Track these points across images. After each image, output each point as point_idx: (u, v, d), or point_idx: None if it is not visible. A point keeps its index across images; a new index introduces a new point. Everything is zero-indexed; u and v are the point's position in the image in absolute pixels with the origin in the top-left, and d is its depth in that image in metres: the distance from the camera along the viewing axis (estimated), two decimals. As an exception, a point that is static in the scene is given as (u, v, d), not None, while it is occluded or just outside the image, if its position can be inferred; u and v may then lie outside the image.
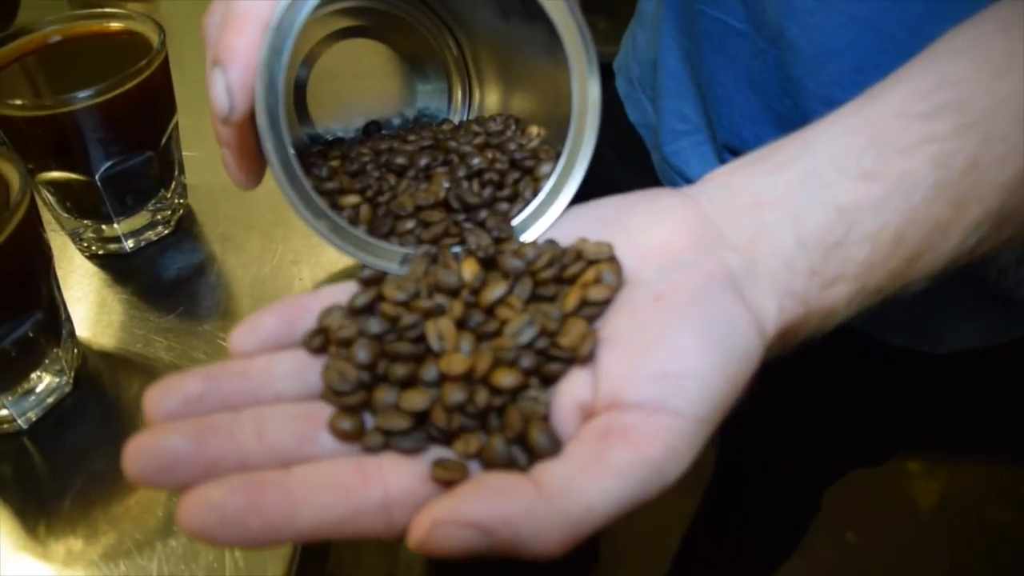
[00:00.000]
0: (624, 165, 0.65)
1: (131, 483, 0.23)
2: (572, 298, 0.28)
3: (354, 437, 0.25)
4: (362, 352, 0.26)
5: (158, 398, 0.24)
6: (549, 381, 0.27)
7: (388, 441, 0.25)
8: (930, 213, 0.27)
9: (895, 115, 0.28)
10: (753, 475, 0.87)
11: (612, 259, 0.28)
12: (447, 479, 0.24)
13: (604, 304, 0.28)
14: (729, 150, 0.52)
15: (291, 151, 0.29)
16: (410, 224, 0.32)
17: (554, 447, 0.25)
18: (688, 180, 0.53)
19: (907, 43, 0.30)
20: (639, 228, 0.30)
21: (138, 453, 0.23)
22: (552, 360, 0.27)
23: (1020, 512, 1.27)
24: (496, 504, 0.22)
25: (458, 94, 0.43)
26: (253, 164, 0.32)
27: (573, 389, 0.26)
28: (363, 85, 0.42)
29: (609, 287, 0.28)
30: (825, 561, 1.18)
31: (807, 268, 0.27)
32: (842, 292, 0.27)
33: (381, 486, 0.23)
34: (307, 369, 0.27)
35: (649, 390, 0.24)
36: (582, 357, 0.26)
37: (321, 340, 0.27)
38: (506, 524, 0.22)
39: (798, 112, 0.45)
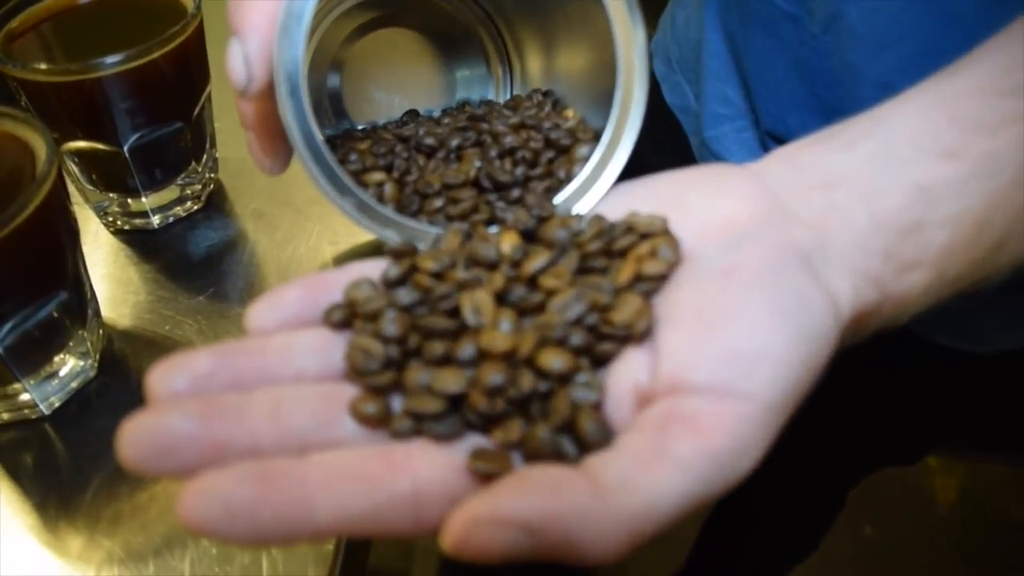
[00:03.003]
0: (660, 151, 0.62)
1: (133, 473, 0.21)
2: (626, 271, 0.26)
3: (380, 422, 0.23)
4: (391, 325, 0.24)
5: (162, 376, 0.23)
6: (600, 362, 0.25)
7: (419, 426, 0.23)
8: (1017, 197, 0.25)
9: (977, 92, 0.26)
10: (780, 471, 0.84)
11: (667, 232, 0.27)
12: (487, 471, 0.22)
13: (660, 279, 0.26)
14: (773, 137, 0.50)
15: (314, 124, 0.28)
16: (439, 202, 0.31)
17: (605, 437, 0.23)
18: None
19: (975, 26, 0.28)
20: (698, 203, 0.28)
21: (135, 433, 0.21)
22: (604, 339, 0.25)
23: (1035, 508, 1.24)
24: (545, 501, 0.20)
25: (498, 72, 0.42)
26: (278, 146, 0.31)
27: (628, 371, 0.24)
28: (399, 77, 0.41)
29: (666, 261, 0.26)
30: (842, 555, 1.17)
31: (882, 250, 0.25)
32: (919, 279, 0.26)
33: (410, 477, 0.21)
34: (332, 346, 0.25)
35: (717, 371, 0.22)
36: (638, 334, 0.24)
37: (344, 313, 0.25)
38: (556, 524, 0.20)
39: (851, 100, 0.43)
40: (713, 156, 0.54)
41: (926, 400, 0.63)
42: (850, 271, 0.25)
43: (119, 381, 0.40)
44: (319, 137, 0.28)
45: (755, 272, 0.24)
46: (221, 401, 0.22)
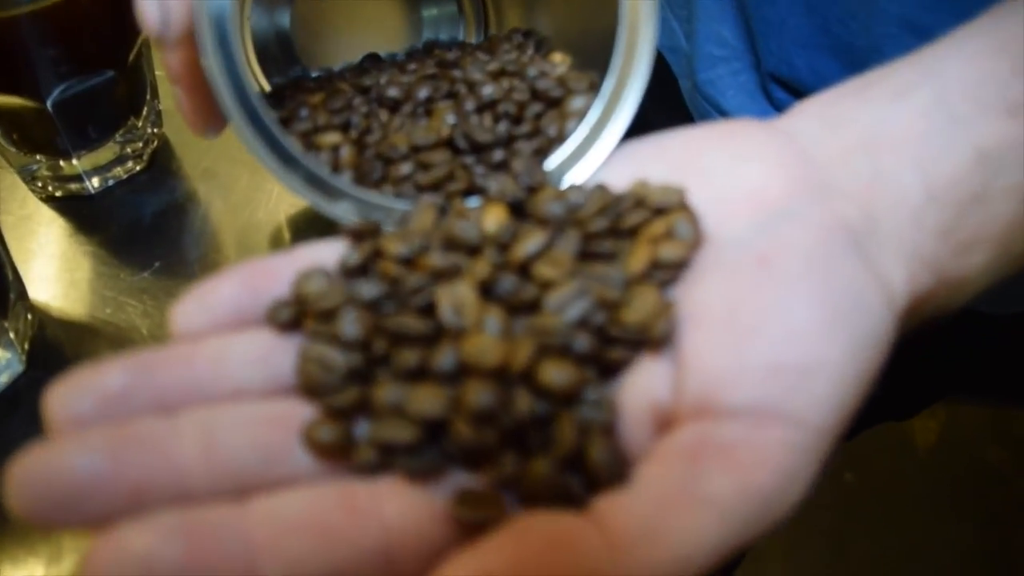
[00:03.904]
0: (647, 95, 0.59)
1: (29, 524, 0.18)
2: (639, 256, 0.22)
3: (339, 452, 0.20)
4: (351, 326, 0.20)
5: (63, 397, 0.19)
6: (608, 372, 0.21)
7: (388, 459, 0.20)
8: None
9: None
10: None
11: (684, 207, 0.23)
12: (475, 519, 0.18)
13: (680, 266, 0.22)
14: (776, 80, 0.46)
15: (248, 78, 0.24)
16: (406, 168, 0.27)
17: (619, 470, 0.19)
18: (723, 112, 0.50)
19: None
20: (720, 170, 0.25)
21: (28, 476, 0.17)
22: (612, 343, 0.21)
23: (1014, 452, 1.28)
24: (548, 565, 0.17)
25: (470, 10, 0.39)
26: (211, 104, 0.27)
27: (643, 385, 0.21)
28: (358, 16, 0.38)
29: (685, 243, 0.22)
30: (823, 501, 1.18)
31: (939, 227, 0.22)
32: (979, 260, 0.23)
33: (378, 525, 0.18)
34: (278, 353, 0.21)
35: (758, 389, 0.19)
36: (656, 339, 0.21)
37: (292, 312, 0.21)
38: None
39: (866, 37, 0.40)
40: (706, 101, 0.51)
41: (927, 359, 0.62)
42: (904, 254, 0.22)
43: (53, 375, 0.35)
44: (256, 97, 0.24)
45: (798, 260, 0.21)
46: (139, 430, 0.19)
